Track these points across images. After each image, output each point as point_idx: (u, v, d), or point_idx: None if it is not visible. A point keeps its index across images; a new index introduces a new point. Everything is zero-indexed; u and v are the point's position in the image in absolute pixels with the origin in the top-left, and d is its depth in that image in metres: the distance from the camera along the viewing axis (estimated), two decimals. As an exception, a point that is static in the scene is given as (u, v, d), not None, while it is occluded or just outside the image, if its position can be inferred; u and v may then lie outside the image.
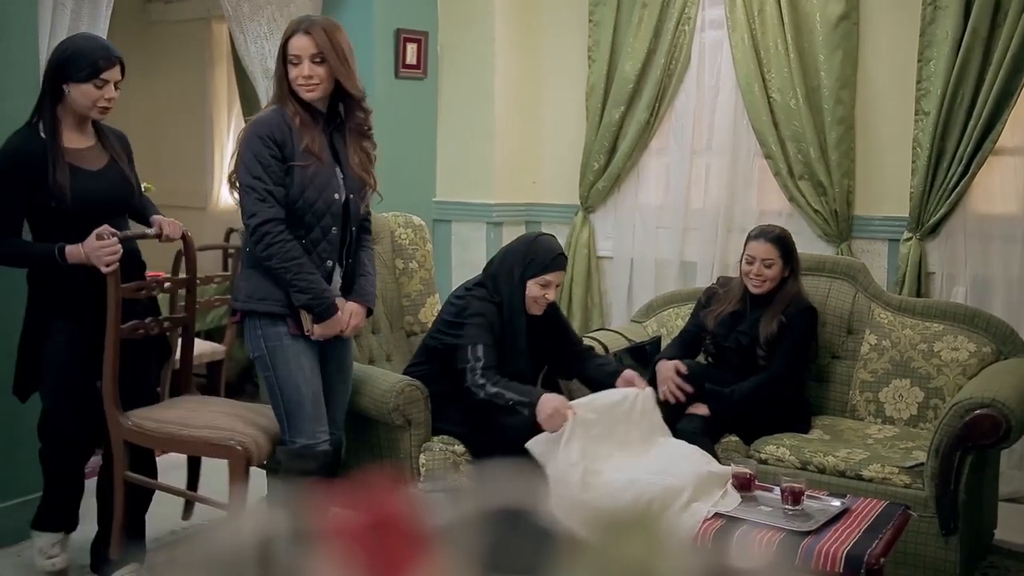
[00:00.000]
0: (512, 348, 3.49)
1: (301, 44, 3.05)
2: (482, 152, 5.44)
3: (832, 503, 3.00)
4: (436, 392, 3.50)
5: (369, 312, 3.31)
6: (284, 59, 3.09)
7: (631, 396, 3.36)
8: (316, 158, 3.06)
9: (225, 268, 5.79)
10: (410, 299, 4.13)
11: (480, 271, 3.71)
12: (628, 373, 3.53)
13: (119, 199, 3.26)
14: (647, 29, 5.00)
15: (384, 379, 3.45)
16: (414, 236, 4.18)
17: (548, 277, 3.50)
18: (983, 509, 3.66)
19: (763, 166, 4.84)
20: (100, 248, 3.05)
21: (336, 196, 3.10)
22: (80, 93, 3.09)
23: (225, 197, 7.06)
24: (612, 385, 3.50)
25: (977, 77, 4.25)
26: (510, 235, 5.45)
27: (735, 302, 3.93)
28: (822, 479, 3.45)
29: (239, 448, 3.04)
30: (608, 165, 5.22)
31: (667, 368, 3.78)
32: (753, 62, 4.73)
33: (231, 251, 5.79)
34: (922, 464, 3.39)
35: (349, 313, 3.15)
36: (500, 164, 5.44)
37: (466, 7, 5.40)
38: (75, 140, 3.18)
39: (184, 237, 3.48)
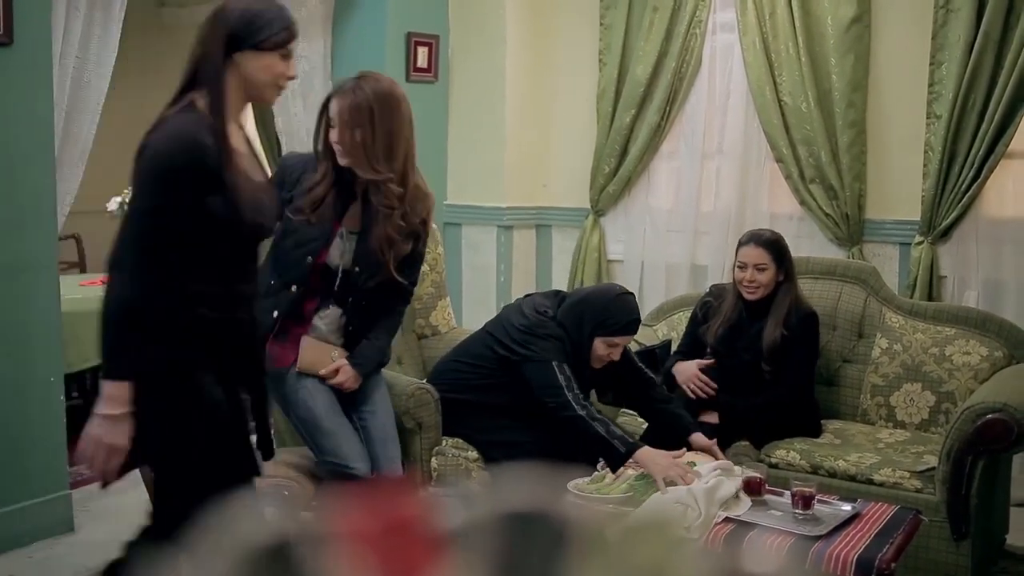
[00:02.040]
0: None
1: (334, 107, 2.94)
2: (493, 155, 5.44)
3: (843, 507, 2.99)
4: (469, 400, 3.48)
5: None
6: (323, 115, 2.99)
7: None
8: (303, 214, 2.97)
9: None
10: (421, 302, 4.13)
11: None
12: (700, 441, 3.38)
13: (270, 230, 2.64)
14: (658, 32, 5.00)
15: (395, 382, 3.45)
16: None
17: (617, 340, 3.43)
18: (994, 514, 3.64)
19: (774, 169, 4.84)
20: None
21: (309, 259, 2.97)
22: (262, 66, 2.38)
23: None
24: (676, 435, 3.40)
25: (989, 80, 4.25)
26: (521, 238, 5.46)
27: (731, 312, 3.84)
28: (833, 483, 3.44)
29: (286, 493, 2.99)
30: (619, 168, 5.22)
31: (689, 367, 3.80)
32: (764, 65, 4.73)
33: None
34: (933, 469, 3.38)
35: (337, 367, 3.05)
36: (511, 167, 5.45)
37: (477, 11, 5.41)
38: (235, 138, 2.40)
39: None
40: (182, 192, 2.22)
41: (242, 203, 2.29)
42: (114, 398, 2.21)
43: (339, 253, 3.00)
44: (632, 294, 3.59)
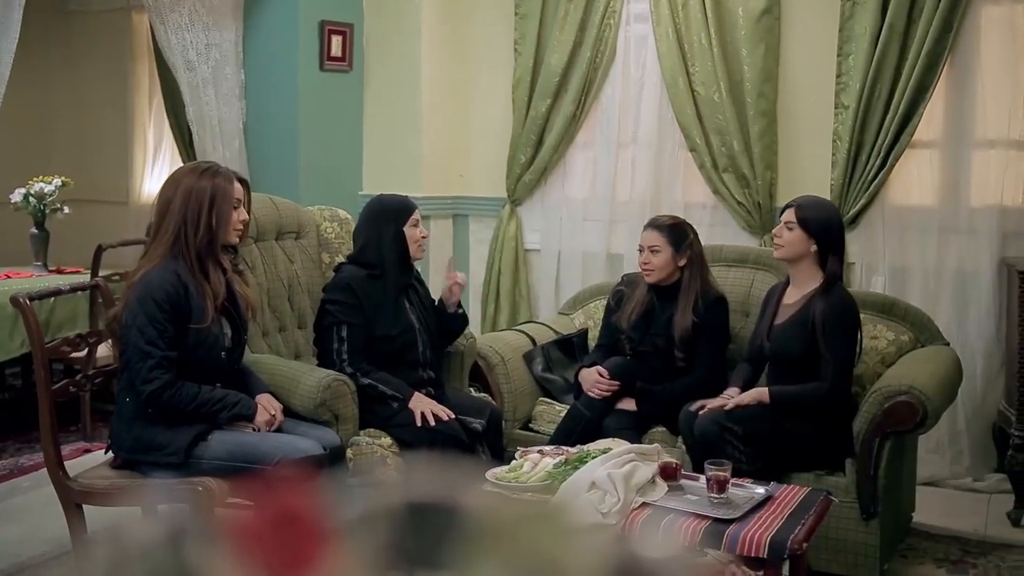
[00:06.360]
0: (396, 305, 3.61)
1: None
2: (409, 145, 5.41)
3: (756, 491, 3.05)
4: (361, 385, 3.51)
5: None
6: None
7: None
8: None
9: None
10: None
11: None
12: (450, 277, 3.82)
13: None
14: (573, 22, 5.02)
15: (310, 374, 3.42)
16: (340, 230, 4.15)
17: (415, 216, 3.71)
18: (902, 493, 3.74)
19: (688, 159, 4.90)
20: None
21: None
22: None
23: (148, 191, 6.93)
24: (451, 315, 3.79)
25: (894, 72, 4.35)
26: (438, 228, 5.45)
27: (643, 299, 3.92)
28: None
29: (201, 488, 2.91)
30: (535, 158, 5.23)
31: (589, 375, 3.84)
32: (677, 56, 4.78)
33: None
34: (843, 451, 3.46)
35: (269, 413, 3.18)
36: (427, 157, 5.42)
37: (392, -1, 5.37)
38: None
39: (100, 287, 3.57)
40: None
41: None
42: None
43: None
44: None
